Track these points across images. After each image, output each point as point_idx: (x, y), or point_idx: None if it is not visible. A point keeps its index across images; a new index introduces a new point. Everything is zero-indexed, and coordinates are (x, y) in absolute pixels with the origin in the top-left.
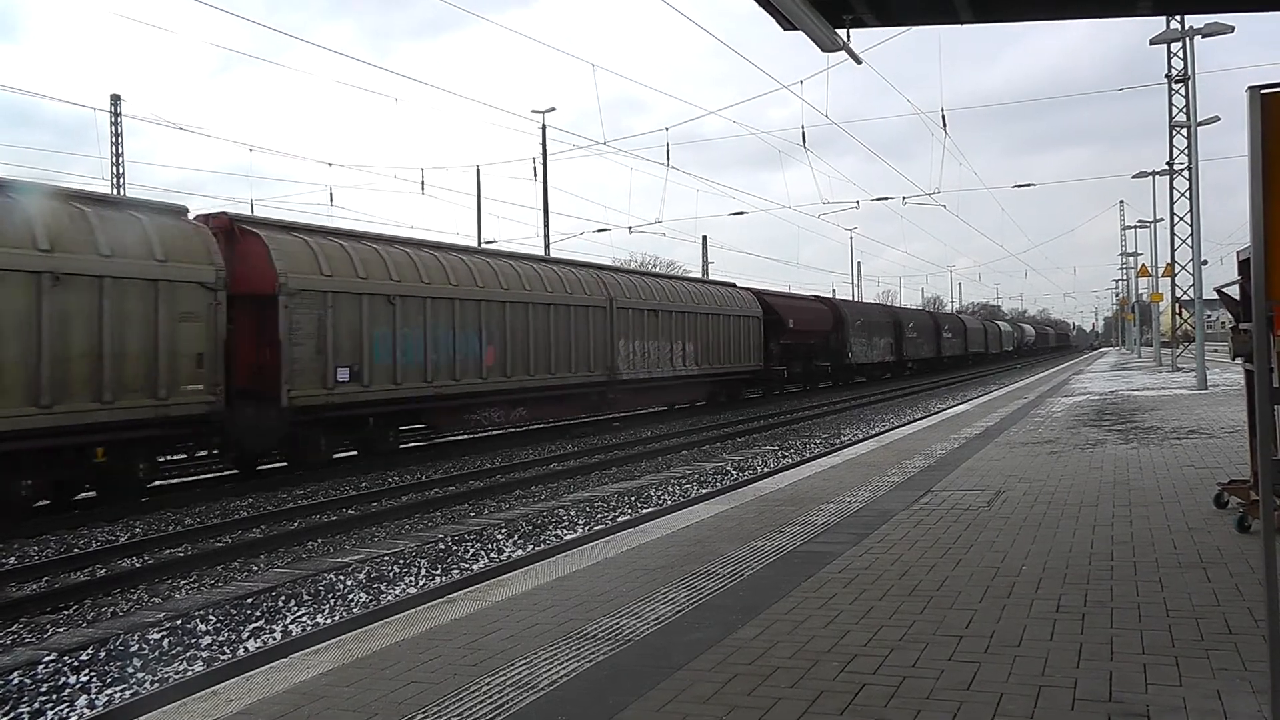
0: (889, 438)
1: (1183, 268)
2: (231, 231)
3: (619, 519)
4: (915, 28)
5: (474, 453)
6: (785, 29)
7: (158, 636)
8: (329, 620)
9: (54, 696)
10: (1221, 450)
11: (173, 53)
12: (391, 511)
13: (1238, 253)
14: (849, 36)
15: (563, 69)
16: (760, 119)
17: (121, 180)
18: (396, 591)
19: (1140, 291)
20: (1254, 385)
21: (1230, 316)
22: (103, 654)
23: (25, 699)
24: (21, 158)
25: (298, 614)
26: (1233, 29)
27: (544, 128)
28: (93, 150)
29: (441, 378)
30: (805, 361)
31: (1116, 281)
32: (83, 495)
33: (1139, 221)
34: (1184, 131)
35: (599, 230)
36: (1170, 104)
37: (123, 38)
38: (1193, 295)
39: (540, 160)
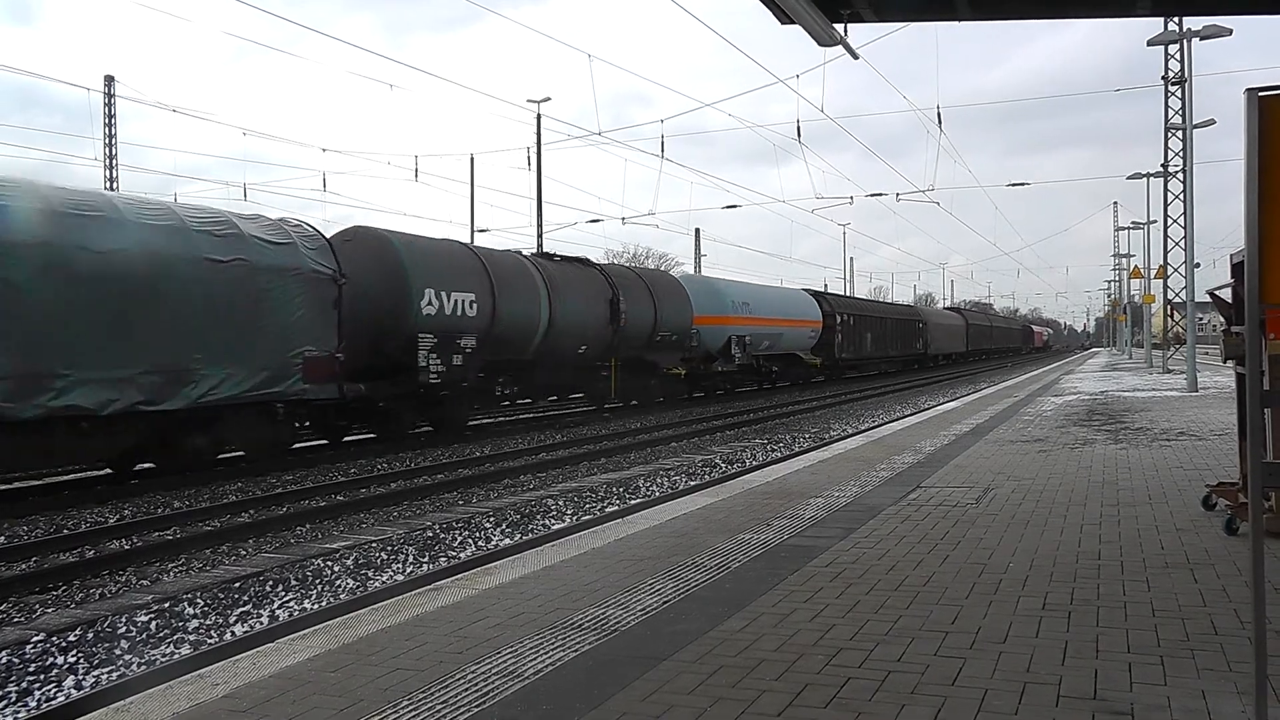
0: (878, 433)
1: (1175, 270)
2: None
3: (607, 509)
4: (913, 24)
5: (463, 441)
6: (783, 22)
7: (145, 619)
8: (316, 606)
9: (42, 676)
10: (1210, 452)
11: (188, 41)
12: (380, 498)
13: (1231, 255)
14: (846, 31)
15: (565, 62)
16: (762, 115)
17: (114, 163)
18: (384, 578)
19: (1132, 293)
20: (1245, 388)
21: (1222, 319)
22: (90, 635)
23: (14, 678)
24: (28, 140)
25: (285, 599)
26: (1231, 31)
27: (539, 117)
28: (98, 134)
29: None
30: None
31: (1109, 282)
32: None
33: (1133, 223)
34: (1179, 134)
35: (592, 221)
36: (1166, 106)
37: (139, 25)
38: (1184, 297)
39: (535, 150)
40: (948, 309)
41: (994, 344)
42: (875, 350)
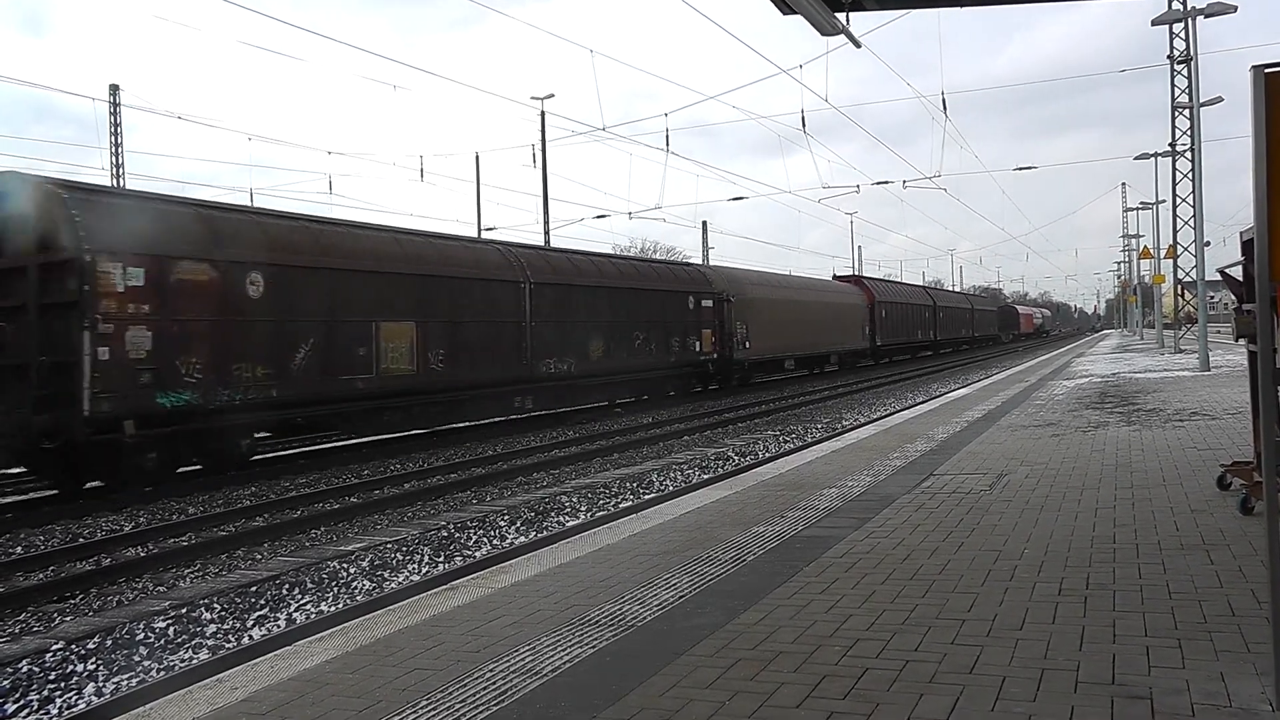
0: (891, 422)
1: (1185, 249)
2: None
3: (621, 505)
4: (915, 11)
5: (476, 439)
6: (784, 13)
7: (163, 625)
8: (333, 608)
9: (62, 684)
10: (1224, 431)
11: (198, 50)
12: (394, 499)
13: (1241, 233)
14: (848, 20)
15: (568, 58)
16: (767, 107)
17: (121, 170)
18: (400, 579)
19: (1142, 273)
20: (1257, 366)
21: (1233, 297)
22: (109, 642)
23: (34, 687)
24: (41, 151)
25: (302, 602)
26: (1235, 8)
27: (543, 114)
28: (106, 143)
29: None
30: None
31: (1118, 264)
32: None
33: (1141, 204)
34: (1186, 113)
35: (599, 216)
36: (1173, 85)
37: (150, 35)
38: (1195, 277)
39: (540, 147)
40: (837, 277)
41: (945, 334)
42: (477, 371)
